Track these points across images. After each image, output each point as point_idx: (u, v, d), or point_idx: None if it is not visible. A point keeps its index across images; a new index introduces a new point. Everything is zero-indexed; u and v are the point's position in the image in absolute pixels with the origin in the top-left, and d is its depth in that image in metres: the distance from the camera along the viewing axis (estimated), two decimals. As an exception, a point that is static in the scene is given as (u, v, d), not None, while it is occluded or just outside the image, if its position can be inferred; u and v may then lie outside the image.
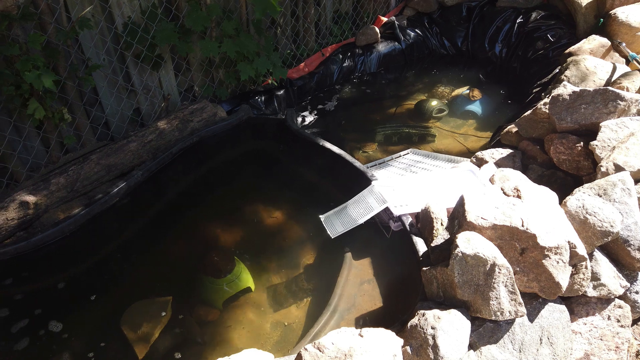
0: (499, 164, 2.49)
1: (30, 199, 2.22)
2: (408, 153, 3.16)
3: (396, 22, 4.16)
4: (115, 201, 2.28)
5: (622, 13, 3.09)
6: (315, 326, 1.82)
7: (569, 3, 3.60)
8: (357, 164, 2.38)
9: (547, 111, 2.38)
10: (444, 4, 4.27)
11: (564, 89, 2.39)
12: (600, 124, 2.16)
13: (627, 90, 2.48)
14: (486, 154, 2.56)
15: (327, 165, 2.48)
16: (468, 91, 3.77)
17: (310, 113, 3.65)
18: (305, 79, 3.68)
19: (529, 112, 2.55)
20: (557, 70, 3.19)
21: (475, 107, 3.66)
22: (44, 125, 2.46)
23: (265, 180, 2.60)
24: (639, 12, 3.09)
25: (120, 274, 2.13)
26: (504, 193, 1.72)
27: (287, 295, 2.16)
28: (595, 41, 3.10)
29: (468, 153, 3.33)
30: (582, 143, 2.23)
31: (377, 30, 4.09)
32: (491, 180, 2.26)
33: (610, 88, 2.21)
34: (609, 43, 3.09)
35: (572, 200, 1.70)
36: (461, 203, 1.68)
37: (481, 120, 3.61)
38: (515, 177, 1.96)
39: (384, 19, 4.21)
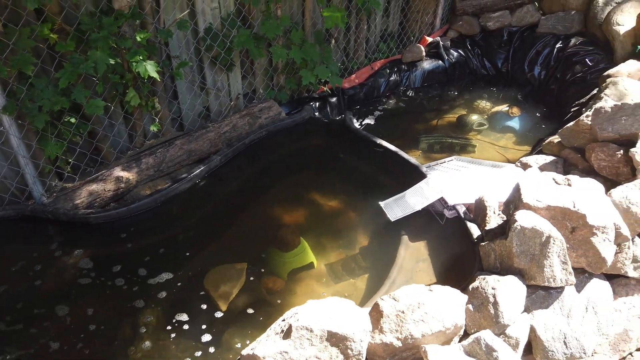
0: (543, 168, 2.71)
1: (125, 174, 2.53)
2: (452, 160, 3.40)
3: (441, 42, 4.45)
4: (197, 180, 2.57)
5: (659, 40, 3.32)
6: (377, 294, 2.05)
7: (607, 31, 3.84)
8: (412, 159, 2.63)
9: (589, 123, 2.60)
10: (486, 28, 4.55)
11: (606, 103, 2.62)
12: (640, 134, 2.37)
13: (664, 107, 2.70)
14: (530, 160, 2.78)
15: (383, 161, 2.74)
16: (508, 108, 4.02)
17: (358, 120, 3.93)
18: (356, 89, 3.98)
19: (571, 123, 2.78)
20: (596, 91, 3.40)
21: (514, 123, 3.89)
22: (135, 113, 2.78)
23: (326, 172, 2.87)
24: (675, 40, 3.31)
25: (202, 242, 2.40)
26: (556, 182, 1.95)
27: (346, 271, 2.39)
28: (633, 65, 3.33)
29: (509, 163, 3.55)
30: (621, 151, 2.44)
31: (423, 48, 4.38)
32: (535, 182, 2.48)
33: (649, 103, 2.43)
34: (646, 67, 3.31)
35: (616, 192, 1.92)
36: (517, 189, 1.91)
37: (519, 136, 3.84)
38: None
39: (429, 39, 4.51)
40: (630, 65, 3.35)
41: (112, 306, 2.07)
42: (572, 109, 3.64)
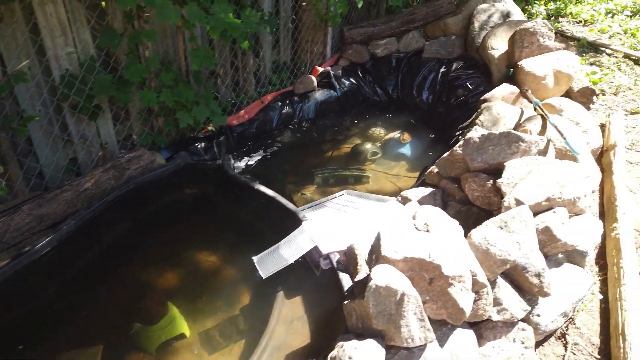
0: (422, 201, 2.69)
1: (-45, 252, 2.18)
2: (343, 194, 3.32)
3: (331, 71, 4.43)
4: (46, 251, 2.27)
5: (528, 64, 3.47)
6: (246, 366, 1.87)
7: (484, 55, 3.99)
8: (290, 205, 2.50)
9: (461, 152, 2.62)
10: (375, 55, 4.59)
11: (475, 133, 2.65)
12: (505, 164, 2.40)
13: (530, 132, 2.78)
14: (410, 193, 2.75)
15: (262, 208, 2.58)
16: (399, 135, 4.04)
17: (250, 158, 3.77)
18: (245, 125, 3.83)
19: (447, 153, 2.79)
20: (475, 115, 3.49)
21: (406, 150, 3.91)
22: (-27, 177, 2.44)
23: (202, 224, 2.66)
24: (541, 63, 3.48)
25: (48, 328, 2.10)
26: (416, 228, 1.88)
27: (223, 338, 2.20)
28: (506, 89, 3.45)
29: (400, 192, 3.54)
30: (491, 181, 2.47)
31: (314, 79, 4.34)
32: (414, 217, 2.45)
33: (513, 131, 2.47)
34: (518, 90, 3.45)
35: (476, 233, 1.89)
36: (378, 238, 1.82)
37: (411, 162, 3.86)
38: (434, 214, 2.18)
39: (320, 69, 4.47)
40: (504, 88, 3.47)
41: None
42: (456, 133, 3.71)
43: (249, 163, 3.72)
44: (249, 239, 2.57)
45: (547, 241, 2.04)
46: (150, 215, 2.67)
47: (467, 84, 4.02)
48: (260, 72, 4.17)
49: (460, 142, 2.69)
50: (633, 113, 3.82)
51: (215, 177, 2.82)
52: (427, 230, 1.83)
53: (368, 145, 3.94)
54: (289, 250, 2.22)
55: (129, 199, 2.62)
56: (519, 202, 2.12)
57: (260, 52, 4.06)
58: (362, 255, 2.04)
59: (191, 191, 2.82)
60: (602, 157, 3.18)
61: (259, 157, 3.80)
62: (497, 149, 2.49)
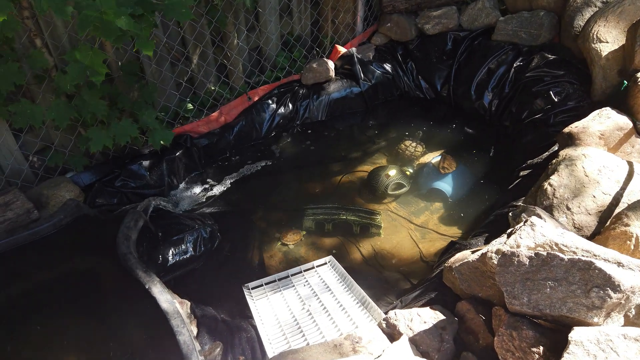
0: (418, 341, 1.56)
1: None
2: (325, 263, 2.24)
3: (356, 54, 3.18)
4: None
5: (656, 79, 2.04)
6: None
7: (585, 48, 2.54)
8: (183, 338, 1.49)
9: (496, 269, 1.42)
10: (424, 32, 3.25)
11: (526, 238, 1.44)
12: (571, 337, 1.19)
13: (637, 239, 1.48)
14: (402, 319, 1.62)
15: (154, 329, 1.59)
16: (439, 159, 2.78)
17: (220, 182, 2.77)
18: (216, 134, 2.80)
19: (475, 257, 1.60)
20: (545, 172, 2.12)
21: (445, 185, 2.67)
22: None
23: (76, 331, 1.72)
24: (683, 78, 2.03)
25: None
26: None
27: None
28: (610, 120, 2.07)
29: (420, 261, 2.38)
30: (542, 349, 1.28)
31: (330, 65, 3.14)
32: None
33: (596, 263, 1.23)
34: (631, 125, 2.05)
35: None
36: None
37: (450, 207, 2.63)
38: None
39: (342, 50, 3.24)
40: (605, 119, 2.08)
41: None
42: (521, 172, 2.42)
43: (216, 189, 2.72)
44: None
45: None
46: (6, 304, 1.78)
47: (552, 92, 2.62)
48: (262, 52, 3.04)
49: (497, 246, 1.50)
50: None
51: (103, 250, 1.85)
52: None
53: (392, 172, 2.74)
54: None
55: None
56: None
57: (257, 24, 2.90)
58: None
59: (81, 263, 1.86)
60: None
61: (232, 180, 2.78)
62: (562, 289, 1.28)
